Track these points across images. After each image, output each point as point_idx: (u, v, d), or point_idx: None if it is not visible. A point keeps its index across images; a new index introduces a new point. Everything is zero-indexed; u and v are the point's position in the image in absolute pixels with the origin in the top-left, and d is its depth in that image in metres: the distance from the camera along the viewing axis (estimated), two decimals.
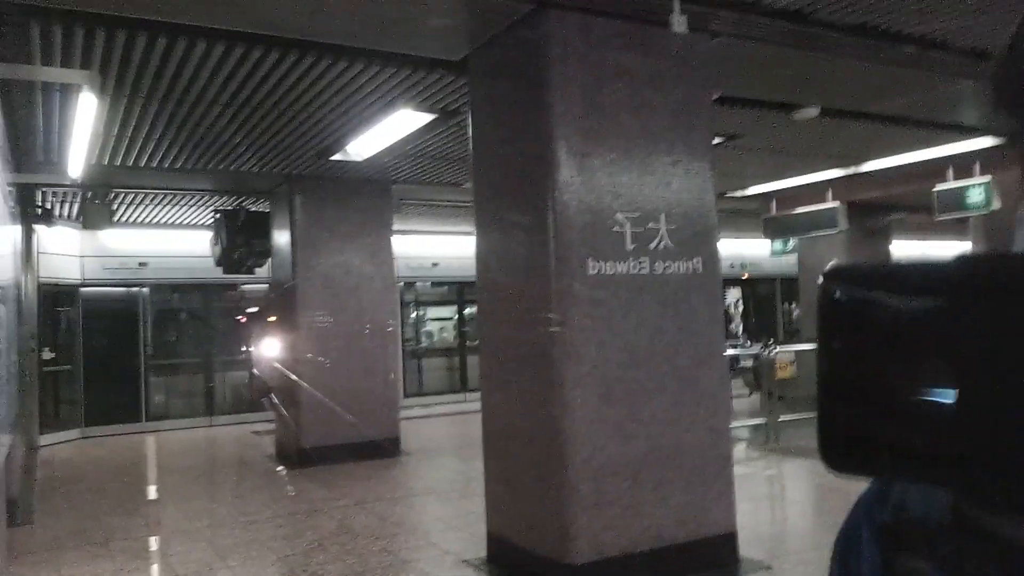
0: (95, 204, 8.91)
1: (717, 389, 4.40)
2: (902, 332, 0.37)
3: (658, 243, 4.14)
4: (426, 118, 5.82)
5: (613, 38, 4.07)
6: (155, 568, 4.93)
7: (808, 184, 9.46)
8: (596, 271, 3.97)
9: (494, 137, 4.44)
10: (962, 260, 0.36)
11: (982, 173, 8.06)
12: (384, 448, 8.16)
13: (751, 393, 9.68)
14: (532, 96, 4.03)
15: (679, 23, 4.09)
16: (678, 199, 4.24)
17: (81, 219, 9.81)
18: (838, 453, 0.39)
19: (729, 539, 4.36)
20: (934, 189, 8.39)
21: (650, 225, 4.13)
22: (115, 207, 9.43)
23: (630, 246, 4.06)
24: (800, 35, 4.43)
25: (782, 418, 8.46)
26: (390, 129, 6.13)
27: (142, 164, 7.01)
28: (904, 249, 13.37)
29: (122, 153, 6.61)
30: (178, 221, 10.65)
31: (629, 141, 4.11)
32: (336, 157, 7.01)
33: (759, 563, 4.41)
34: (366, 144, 6.62)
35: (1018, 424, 0.32)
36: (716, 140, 4.69)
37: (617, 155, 4.06)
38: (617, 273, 4.01)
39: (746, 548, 4.45)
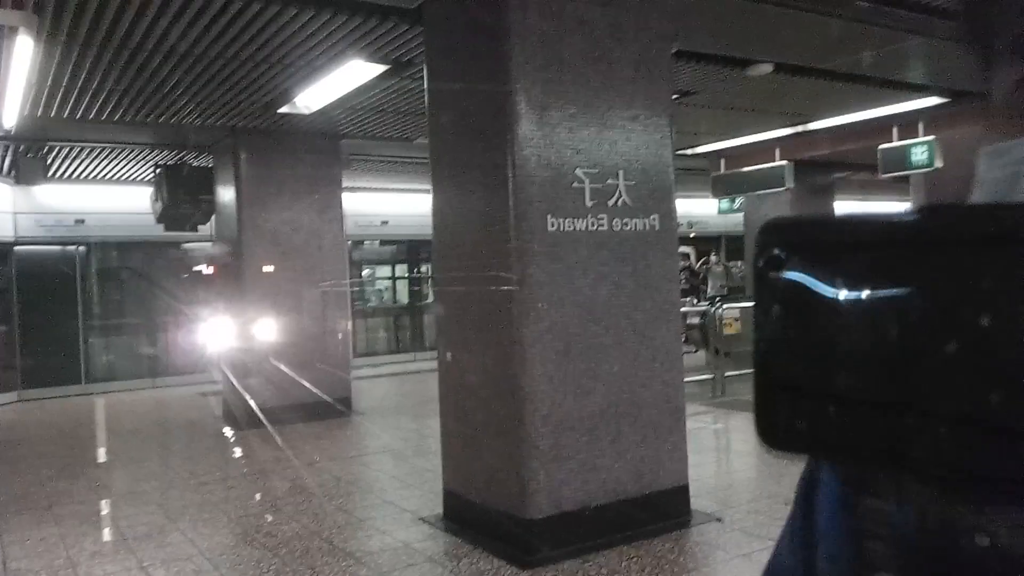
0: (28, 158, 8.50)
1: (672, 345, 4.43)
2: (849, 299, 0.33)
3: (616, 200, 4.12)
4: (378, 69, 5.65)
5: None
6: (104, 532, 4.82)
7: (757, 142, 9.54)
8: (555, 228, 3.93)
9: (451, 89, 4.33)
10: (928, 210, 0.32)
11: (926, 133, 8.23)
12: (336, 408, 8.09)
13: (697, 350, 9.85)
14: (490, 47, 3.93)
15: None
16: (636, 155, 4.21)
17: (13, 173, 9.36)
18: (775, 433, 0.36)
19: (682, 492, 4.45)
20: (879, 147, 8.55)
21: (609, 182, 4.10)
22: (50, 161, 9.01)
23: (589, 203, 4.03)
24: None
25: (728, 373, 8.66)
26: (340, 81, 5.95)
27: (79, 116, 6.68)
28: (846, 208, 13.65)
29: (57, 103, 6.28)
30: (118, 176, 10.24)
31: (589, 94, 4.05)
32: (283, 110, 6.79)
33: (710, 515, 4.51)
34: (315, 96, 6.42)
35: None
36: (671, 96, 4.66)
37: (577, 109, 4.01)
38: (576, 230, 3.99)
39: (697, 500, 4.55)
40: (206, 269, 10.26)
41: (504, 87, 3.85)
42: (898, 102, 7.66)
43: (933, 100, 7.55)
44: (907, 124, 8.34)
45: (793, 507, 0.56)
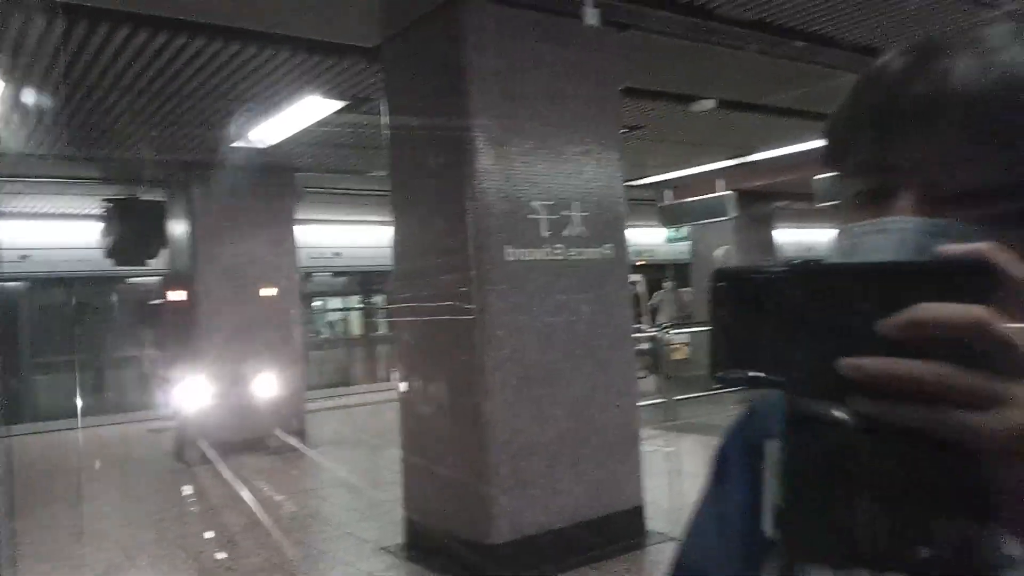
0: None
1: (627, 370, 4.59)
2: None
3: (572, 230, 4.28)
4: (335, 105, 5.75)
5: (528, 28, 4.16)
6: (63, 571, 4.73)
7: (701, 173, 9.88)
8: (513, 257, 4.07)
9: (411, 125, 4.46)
10: (792, 265, 0.50)
11: None
12: (290, 442, 8.03)
13: (647, 375, 10.06)
14: (450, 85, 4.07)
15: (591, 15, 4.25)
16: (589, 187, 4.39)
17: None
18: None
19: (637, 513, 4.58)
20: (814, 178, 8.94)
21: (564, 212, 4.26)
22: None
23: (546, 233, 4.17)
24: (702, 29, 4.66)
25: (677, 398, 8.87)
26: (297, 116, 6.03)
27: (25, 151, 6.60)
28: (786, 236, 14.14)
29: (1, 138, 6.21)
30: (65, 212, 10.07)
31: (544, 130, 4.22)
32: (238, 144, 6.82)
33: (664, 535, 4.64)
34: (271, 131, 6.48)
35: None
36: (620, 131, 4.87)
37: (533, 144, 4.17)
38: (534, 259, 4.13)
39: (652, 522, 4.68)
40: (166, 302, 10.14)
41: (463, 123, 3.99)
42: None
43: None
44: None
45: (708, 475, 0.74)
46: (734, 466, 0.71)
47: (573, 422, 4.23)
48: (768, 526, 0.58)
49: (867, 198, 0.61)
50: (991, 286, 0.43)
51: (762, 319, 0.49)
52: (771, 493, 0.58)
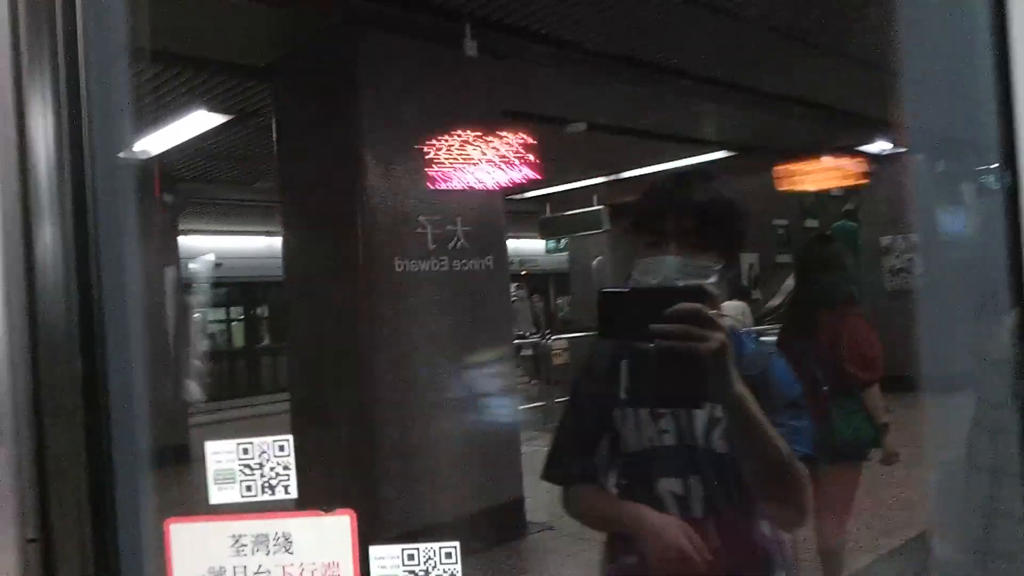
0: None
1: (507, 374, 4.97)
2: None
3: (455, 243, 4.61)
4: (222, 119, 5.86)
5: (413, 56, 4.48)
6: None
7: (577, 188, 10.48)
8: (402, 269, 4.36)
9: (301, 142, 4.68)
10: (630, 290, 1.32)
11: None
12: (169, 456, 7.95)
13: (531, 380, 10.51)
14: (340, 106, 4.33)
15: (470, 47, 4.60)
16: (472, 203, 4.74)
17: None
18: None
19: (518, 506, 4.96)
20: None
21: (448, 227, 4.59)
22: None
23: (431, 246, 4.49)
24: (574, 60, 5.12)
25: (558, 400, 9.35)
26: (182, 129, 6.08)
27: None
28: None
29: None
30: None
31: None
32: (121, 155, 6.75)
33: (543, 524, 5.03)
34: (154, 142, 6.49)
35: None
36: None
37: (419, 163, 4.48)
38: (421, 270, 4.44)
39: (532, 513, 5.07)
40: None
41: (353, 142, 4.26)
42: (696, 155, 8.78)
43: (724, 153, 8.74)
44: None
45: (568, 400, 1.59)
46: (583, 386, 1.56)
47: (457, 423, 4.56)
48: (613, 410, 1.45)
49: (650, 246, 1.37)
50: (705, 297, 1.16)
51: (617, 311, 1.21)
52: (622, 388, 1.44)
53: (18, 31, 0.70)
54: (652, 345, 1.14)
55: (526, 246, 15.42)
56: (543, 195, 10.85)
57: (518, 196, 10.66)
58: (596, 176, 9.83)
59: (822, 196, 9.97)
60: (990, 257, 1.25)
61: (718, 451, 1.39)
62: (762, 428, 1.24)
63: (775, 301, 10.11)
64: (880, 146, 8.72)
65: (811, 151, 8.50)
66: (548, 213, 11.32)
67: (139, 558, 0.71)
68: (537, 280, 16.75)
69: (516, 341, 8.89)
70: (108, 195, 0.69)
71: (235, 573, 0.76)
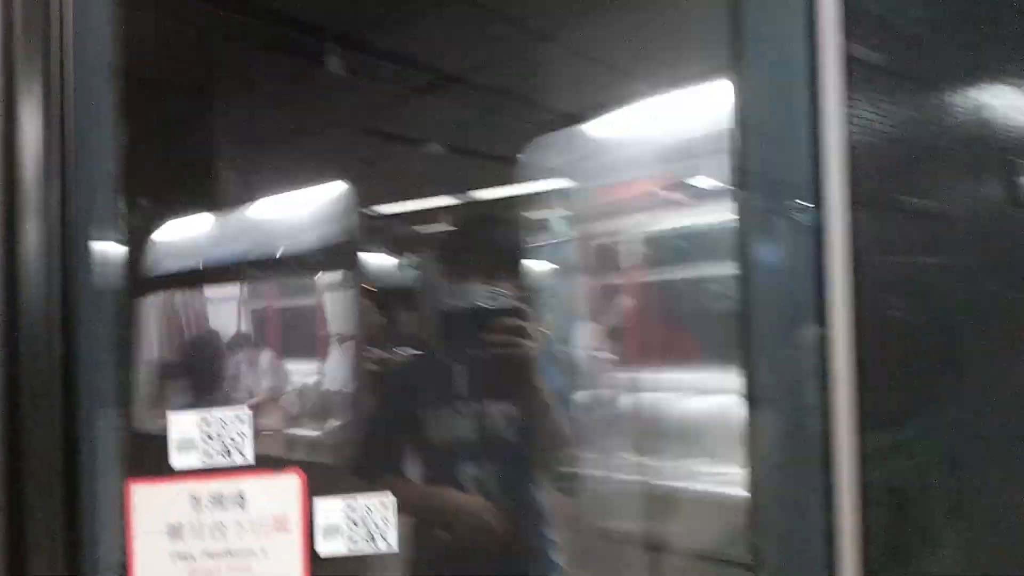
0: None
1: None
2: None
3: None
4: None
5: (274, 71, 4.50)
6: None
7: (428, 208, 10.64)
8: None
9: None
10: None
11: (562, 208, 9.92)
12: None
13: None
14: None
15: (333, 63, 4.68)
16: (329, 218, 4.79)
17: None
18: None
19: None
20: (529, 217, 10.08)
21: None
22: None
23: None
24: (424, 82, 5.30)
25: None
26: None
27: None
28: None
29: None
30: None
31: (288, 166, 4.58)
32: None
33: None
34: None
35: None
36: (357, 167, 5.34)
37: (279, 178, 4.50)
38: None
39: None
40: None
41: (208, 157, 4.23)
42: (540, 181, 9.21)
43: (565, 183, 9.22)
44: (546, 200, 9.97)
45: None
46: (391, 388, 2.05)
47: None
48: None
49: (458, 277, 1.83)
50: (524, 314, 1.61)
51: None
52: None
53: (11, 41, 0.78)
54: (482, 352, 1.71)
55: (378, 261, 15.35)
56: (396, 213, 10.94)
57: (372, 210, 10.69)
58: (448, 196, 10.06)
59: (653, 220, 10.67)
60: (797, 286, 1.55)
61: (507, 439, 1.81)
62: (553, 413, 1.75)
63: (609, 320, 10.73)
64: (706, 180, 9.51)
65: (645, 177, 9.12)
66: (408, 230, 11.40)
67: (102, 517, 0.79)
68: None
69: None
70: (90, 200, 0.78)
71: (192, 528, 0.86)
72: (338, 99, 4.86)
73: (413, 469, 1.74)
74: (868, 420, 1.26)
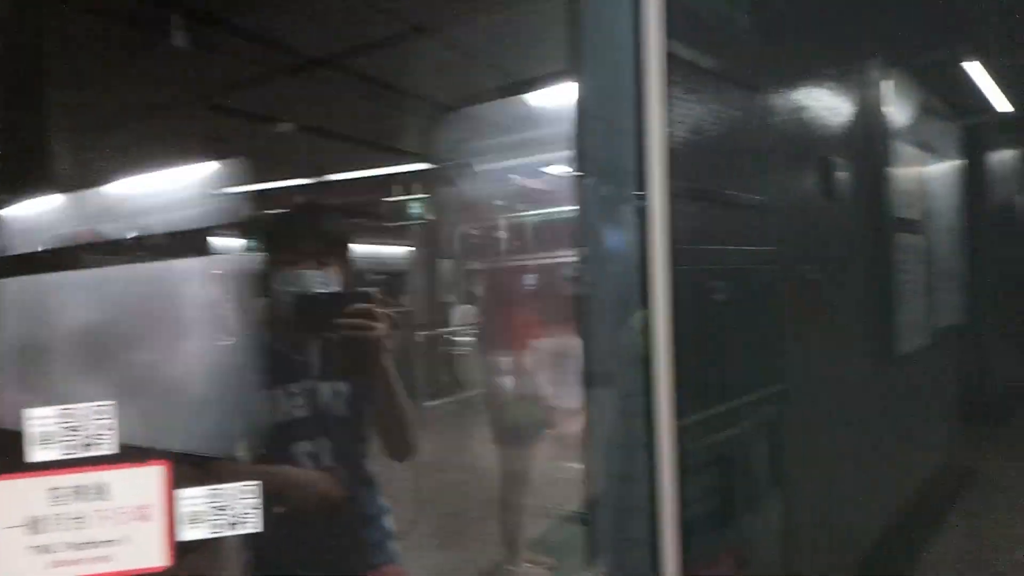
0: None
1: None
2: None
3: (157, 240, 4.45)
4: None
5: (115, 40, 4.25)
6: None
7: (281, 188, 10.32)
8: None
9: None
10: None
11: (421, 191, 9.94)
12: None
13: None
14: (30, 87, 3.98)
15: (178, 37, 4.48)
16: (177, 198, 4.60)
17: None
18: None
19: None
20: (385, 200, 10.01)
21: (144, 222, 4.42)
22: None
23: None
24: (287, 63, 5.19)
25: None
26: None
27: None
28: (360, 250, 15.24)
29: None
30: None
31: (130, 140, 4.34)
32: None
33: None
34: None
35: None
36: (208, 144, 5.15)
37: (117, 152, 4.26)
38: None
39: None
40: None
41: (41, 126, 3.95)
42: (400, 164, 9.18)
43: (425, 165, 9.24)
44: (406, 182, 9.96)
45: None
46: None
47: None
48: None
49: (287, 263, 1.90)
50: (371, 298, 1.70)
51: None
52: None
53: None
54: (335, 335, 1.71)
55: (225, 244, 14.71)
56: (248, 191, 10.53)
57: (220, 191, 10.24)
58: (302, 178, 9.80)
59: (509, 208, 10.89)
60: (630, 267, 1.68)
61: (339, 415, 1.91)
62: (397, 388, 1.83)
63: (467, 304, 10.87)
64: (559, 168, 9.81)
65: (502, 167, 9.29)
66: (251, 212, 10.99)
67: None
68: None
69: None
70: None
71: (53, 520, 0.87)
72: (189, 75, 4.65)
73: (253, 448, 1.82)
74: (687, 396, 1.40)
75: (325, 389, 1.91)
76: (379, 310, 1.75)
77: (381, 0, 4.56)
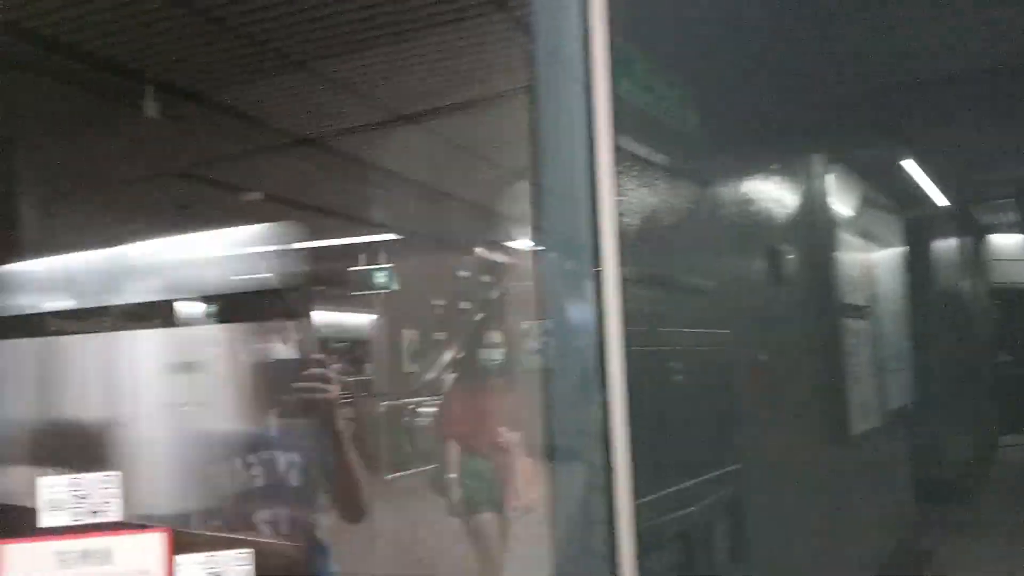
0: None
1: None
2: None
3: (121, 300, 4.45)
4: None
5: (82, 114, 4.34)
6: None
7: (247, 255, 10.34)
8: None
9: None
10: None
11: (387, 260, 10.03)
12: None
13: None
14: None
15: (151, 108, 4.58)
16: (142, 263, 4.61)
17: None
18: None
19: None
20: (350, 269, 10.07)
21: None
22: None
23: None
24: (247, 133, 5.32)
25: None
26: None
27: None
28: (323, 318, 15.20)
29: None
30: None
31: (95, 209, 4.39)
32: None
33: None
34: None
35: None
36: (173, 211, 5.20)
37: (84, 220, 4.30)
38: None
39: None
40: None
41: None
42: (366, 234, 9.29)
43: (391, 235, 9.36)
44: (372, 251, 10.05)
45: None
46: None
47: None
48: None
49: (255, 331, 1.89)
50: (322, 364, 1.87)
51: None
52: None
53: None
54: (287, 398, 1.85)
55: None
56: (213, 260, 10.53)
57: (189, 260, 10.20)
58: (269, 245, 9.85)
59: (474, 282, 11.02)
60: (563, 340, 1.76)
61: (293, 484, 1.97)
62: (350, 454, 1.91)
63: (432, 374, 10.85)
64: (522, 243, 9.98)
65: (467, 241, 9.46)
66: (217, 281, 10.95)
67: None
68: None
69: None
70: None
71: None
72: (158, 143, 4.73)
73: (214, 514, 1.89)
74: (644, 474, 1.47)
75: (282, 459, 1.97)
76: (332, 375, 1.86)
77: (362, 87, 4.73)
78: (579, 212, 1.44)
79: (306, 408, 1.86)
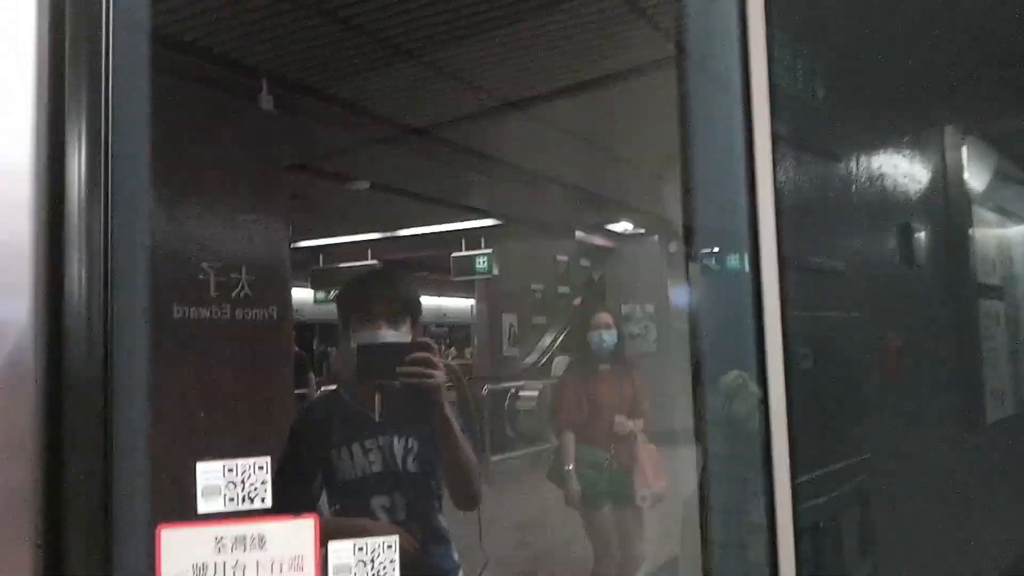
0: None
1: (285, 422, 4.98)
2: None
3: (239, 291, 4.62)
4: None
5: (203, 103, 4.50)
6: None
7: (352, 242, 10.63)
8: (181, 315, 4.29)
9: None
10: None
11: (486, 246, 10.10)
12: None
13: None
14: None
15: (266, 101, 4.73)
16: (257, 252, 4.79)
17: None
18: None
19: None
20: (452, 255, 10.20)
21: (232, 275, 4.60)
22: None
23: (214, 293, 4.47)
24: (355, 124, 5.41)
25: None
26: None
27: None
28: (426, 300, 15.50)
29: None
30: None
31: (215, 198, 4.56)
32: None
33: None
34: None
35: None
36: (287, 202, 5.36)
37: (202, 209, 4.48)
38: (201, 318, 4.39)
39: None
40: None
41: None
42: (465, 220, 9.37)
43: (491, 221, 9.40)
44: (472, 238, 10.13)
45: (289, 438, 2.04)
46: (302, 432, 2.01)
47: None
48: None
49: (361, 322, 1.95)
50: (431, 348, 1.75)
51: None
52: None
53: (61, 78, 0.85)
54: (397, 382, 1.76)
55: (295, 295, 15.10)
56: (316, 245, 10.87)
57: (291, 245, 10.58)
58: (371, 232, 10.07)
59: (574, 265, 10.96)
60: (711, 327, 1.70)
61: (412, 471, 1.95)
62: (460, 438, 1.88)
63: (532, 358, 10.89)
64: (623, 226, 9.85)
65: (566, 226, 9.40)
66: (321, 263, 11.31)
67: (134, 559, 0.85)
68: (303, 330, 16.39)
69: (297, 391, 8.71)
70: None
71: (215, 567, 0.93)
72: (271, 136, 4.89)
73: (327, 502, 1.88)
74: (800, 463, 1.40)
75: (399, 446, 1.96)
76: (437, 359, 1.79)
77: (469, 75, 4.73)
78: (736, 197, 1.38)
79: (413, 393, 1.80)
